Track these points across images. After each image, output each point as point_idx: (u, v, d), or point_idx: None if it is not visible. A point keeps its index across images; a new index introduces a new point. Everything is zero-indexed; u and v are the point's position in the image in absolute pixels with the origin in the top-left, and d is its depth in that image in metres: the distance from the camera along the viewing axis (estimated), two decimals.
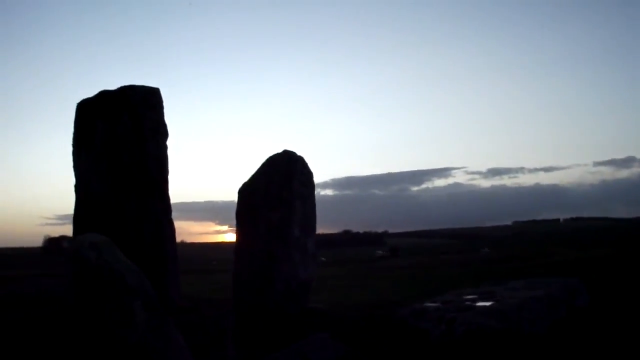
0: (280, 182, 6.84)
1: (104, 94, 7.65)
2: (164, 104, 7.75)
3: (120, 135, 7.33)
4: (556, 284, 6.76)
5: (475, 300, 5.63)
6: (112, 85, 7.71)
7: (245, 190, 7.24)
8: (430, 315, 5.19)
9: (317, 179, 8.35)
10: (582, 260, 15.25)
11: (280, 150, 7.34)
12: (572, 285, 6.87)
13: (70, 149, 7.76)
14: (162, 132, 7.62)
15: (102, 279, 3.61)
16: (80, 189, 7.67)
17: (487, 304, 5.35)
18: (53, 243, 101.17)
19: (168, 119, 7.81)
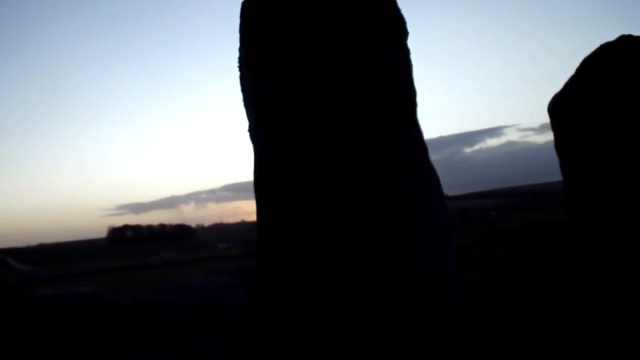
0: None
1: None
2: None
3: (335, 34, 4.31)
4: None
5: None
6: None
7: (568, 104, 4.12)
8: None
9: None
10: None
11: None
12: None
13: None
14: (401, 28, 4.55)
15: None
16: (263, 133, 4.69)
17: None
18: (117, 232, 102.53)
19: None
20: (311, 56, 4.35)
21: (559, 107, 4.44)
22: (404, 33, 4.50)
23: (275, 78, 4.54)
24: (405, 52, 4.43)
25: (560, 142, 4.54)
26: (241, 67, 4.94)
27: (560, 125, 4.45)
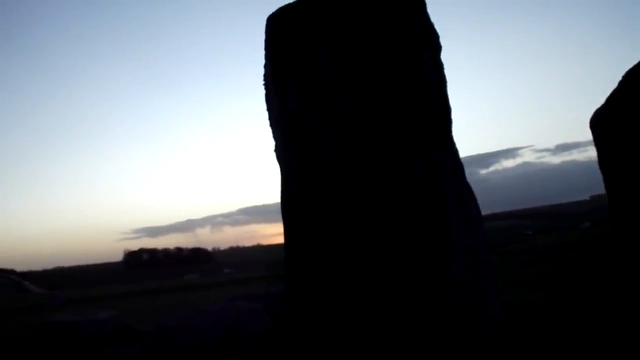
0: None
1: None
2: None
3: (366, 49, 4.16)
4: None
5: None
6: None
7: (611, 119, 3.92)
8: None
9: None
10: None
11: None
12: None
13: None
14: (435, 42, 4.38)
15: None
16: (289, 152, 4.52)
17: None
18: (133, 256, 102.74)
19: None
20: (340, 72, 4.19)
21: (600, 122, 4.23)
22: (437, 47, 4.33)
23: (303, 95, 4.38)
24: (440, 66, 4.27)
25: (603, 158, 4.34)
26: (267, 85, 4.80)
27: (603, 140, 4.25)
